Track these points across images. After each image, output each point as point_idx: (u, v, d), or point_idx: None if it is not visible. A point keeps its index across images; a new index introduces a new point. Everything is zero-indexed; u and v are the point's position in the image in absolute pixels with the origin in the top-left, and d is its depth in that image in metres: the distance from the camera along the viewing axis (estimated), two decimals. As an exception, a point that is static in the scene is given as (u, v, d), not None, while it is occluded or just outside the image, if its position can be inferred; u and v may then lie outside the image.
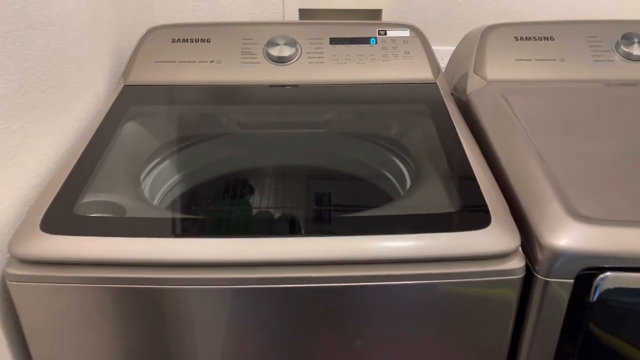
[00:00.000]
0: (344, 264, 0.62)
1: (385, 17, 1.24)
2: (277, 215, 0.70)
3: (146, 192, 0.80)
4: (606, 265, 0.62)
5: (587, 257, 0.61)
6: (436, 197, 0.70)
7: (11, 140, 0.68)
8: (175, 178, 0.87)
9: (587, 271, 0.62)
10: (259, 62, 0.97)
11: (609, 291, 0.62)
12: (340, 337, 0.66)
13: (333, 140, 0.90)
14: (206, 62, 0.97)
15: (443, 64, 1.19)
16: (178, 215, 0.70)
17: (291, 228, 0.65)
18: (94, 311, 0.63)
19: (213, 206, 0.79)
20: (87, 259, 0.61)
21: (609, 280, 0.62)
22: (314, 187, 0.81)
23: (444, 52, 1.22)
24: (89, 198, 0.69)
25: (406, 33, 1.00)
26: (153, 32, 1.00)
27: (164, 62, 0.97)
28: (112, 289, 0.62)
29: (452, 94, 1.02)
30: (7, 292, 0.65)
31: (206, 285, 0.62)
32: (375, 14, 1.26)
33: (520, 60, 0.97)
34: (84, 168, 0.74)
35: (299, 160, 0.90)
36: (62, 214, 0.65)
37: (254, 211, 0.78)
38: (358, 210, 0.67)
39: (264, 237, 0.62)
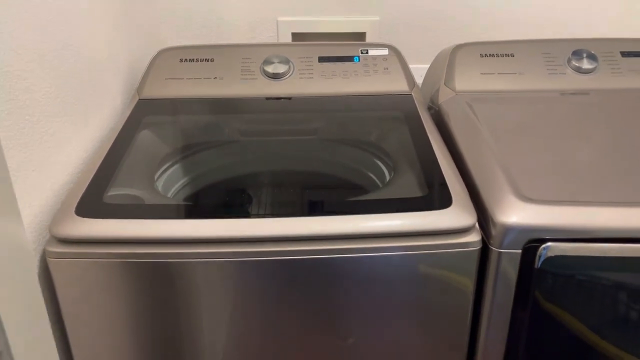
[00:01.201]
0: (330, 239, 0.74)
1: (369, 39, 1.39)
2: (271, 202, 0.83)
3: (160, 189, 0.92)
4: (548, 237, 0.74)
5: (532, 230, 0.74)
6: (409, 186, 0.82)
7: (49, 142, 0.80)
8: (185, 179, 1.00)
9: (533, 243, 0.75)
10: (256, 78, 1.10)
11: (550, 258, 0.74)
12: (324, 303, 0.77)
13: (322, 145, 1.03)
14: (210, 78, 1.10)
15: (421, 80, 1.33)
16: (189, 204, 0.82)
17: (284, 211, 0.77)
18: (118, 283, 0.75)
19: (219, 197, 0.91)
20: (114, 237, 0.73)
21: (550, 249, 0.74)
22: (305, 182, 0.94)
23: (422, 70, 1.36)
24: (113, 191, 0.82)
25: (385, 52, 1.14)
26: (163, 53, 1.14)
27: (174, 78, 1.10)
28: (134, 263, 0.74)
29: (429, 105, 1.16)
30: (46, 269, 0.77)
31: (209, 259, 0.74)
32: (360, 36, 1.41)
33: (484, 74, 1.11)
34: (108, 167, 0.87)
35: (292, 163, 1.02)
36: (93, 201, 0.77)
37: (252, 200, 0.90)
38: (342, 199, 0.80)
39: (260, 217, 0.74)
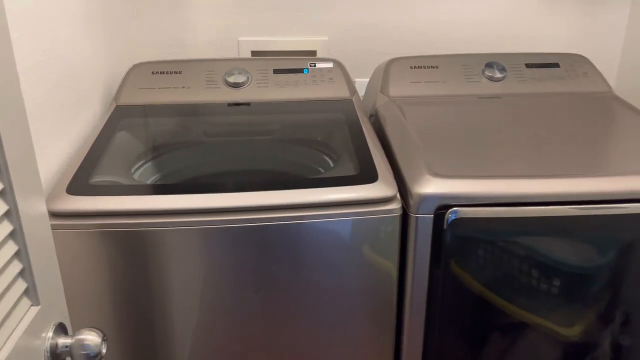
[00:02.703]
0: (281, 209, 0.91)
1: (319, 56, 1.58)
2: (232, 184, 0.99)
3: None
4: (453, 204, 0.93)
5: (440, 198, 0.93)
6: (346, 169, 1.00)
7: (44, 137, 0.95)
8: (158, 174, 1.15)
9: (442, 209, 0.93)
10: (219, 87, 1.28)
11: (455, 220, 0.93)
12: (278, 265, 0.94)
13: (276, 143, 1.21)
14: (178, 88, 1.27)
15: (363, 92, 1.53)
16: (161, 184, 0.98)
17: (242, 188, 0.94)
18: (102, 250, 0.90)
19: (188, 180, 1.07)
20: (100, 210, 0.88)
21: (455, 213, 0.93)
22: (261, 171, 1.11)
23: (365, 83, 1.56)
24: (97, 178, 0.97)
25: (330, 65, 1.33)
26: (137, 67, 1.30)
27: (146, 88, 1.27)
28: (117, 232, 0.89)
29: (371, 112, 1.35)
30: (40, 240, 0.91)
31: (179, 227, 0.90)
32: (312, 53, 1.60)
33: (413, 82, 1.31)
34: (92, 159, 1.02)
35: (251, 158, 1.19)
36: (81, 183, 0.92)
37: (217, 183, 1.07)
38: (292, 180, 0.97)
39: (221, 193, 0.91)
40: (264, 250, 0.93)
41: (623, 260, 1.02)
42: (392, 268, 0.97)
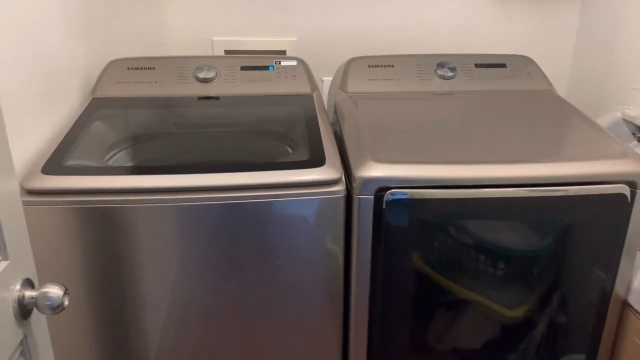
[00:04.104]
0: (240, 189, 1.01)
1: (289, 55, 1.68)
2: (199, 166, 1.09)
3: (108, 165, 1.16)
4: (391, 186, 1.03)
5: (379, 180, 1.03)
6: (301, 155, 1.11)
7: (25, 125, 1.05)
8: (131, 162, 1.24)
9: (381, 191, 1.03)
10: (189, 82, 1.38)
11: (392, 200, 1.03)
12: (238, 240, 1.04)
13: (242, 133, 1.30)
14: (152, 82, 1.37)
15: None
16: (131, 166, 1.07)
17: (207, 170, 1.03)
18: (74, 225, 0.99)
19: (158, 164, 1.17)
20: (72, 188, 0.98)
21: (392, 194, 1.03)
22: (227, 157, 1.20)
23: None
24: (71, 161, 1.06)
25: (294, 63, 1.44)
26: (114, 63, 1.40)
27: (122, 82, 1.36)
28: (86, 209, 0.99)
29: (333, 104, 1.45)
30: (16, 216, 1.00)
31: (147, 204, 0.99)
32: (282, 53, 1.70)
33: (371, 79, 1.41)
34: (67, 144, 1.12)
35: (218, 147, 1.29)
36: (55, 165, 1.02)
37: (185, 165, 1.16)
38: (248, 164, 1.07)
39: (188, 174, 1.01)
40: (221, 227, 1.02)
41: (561, 243, 1.12)
42: (338, 245, 1.07)
